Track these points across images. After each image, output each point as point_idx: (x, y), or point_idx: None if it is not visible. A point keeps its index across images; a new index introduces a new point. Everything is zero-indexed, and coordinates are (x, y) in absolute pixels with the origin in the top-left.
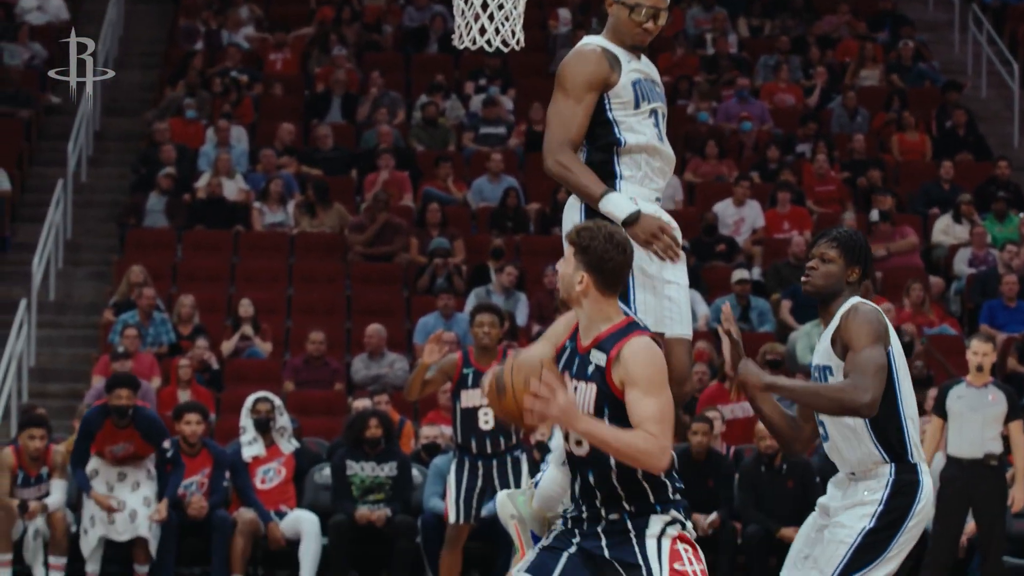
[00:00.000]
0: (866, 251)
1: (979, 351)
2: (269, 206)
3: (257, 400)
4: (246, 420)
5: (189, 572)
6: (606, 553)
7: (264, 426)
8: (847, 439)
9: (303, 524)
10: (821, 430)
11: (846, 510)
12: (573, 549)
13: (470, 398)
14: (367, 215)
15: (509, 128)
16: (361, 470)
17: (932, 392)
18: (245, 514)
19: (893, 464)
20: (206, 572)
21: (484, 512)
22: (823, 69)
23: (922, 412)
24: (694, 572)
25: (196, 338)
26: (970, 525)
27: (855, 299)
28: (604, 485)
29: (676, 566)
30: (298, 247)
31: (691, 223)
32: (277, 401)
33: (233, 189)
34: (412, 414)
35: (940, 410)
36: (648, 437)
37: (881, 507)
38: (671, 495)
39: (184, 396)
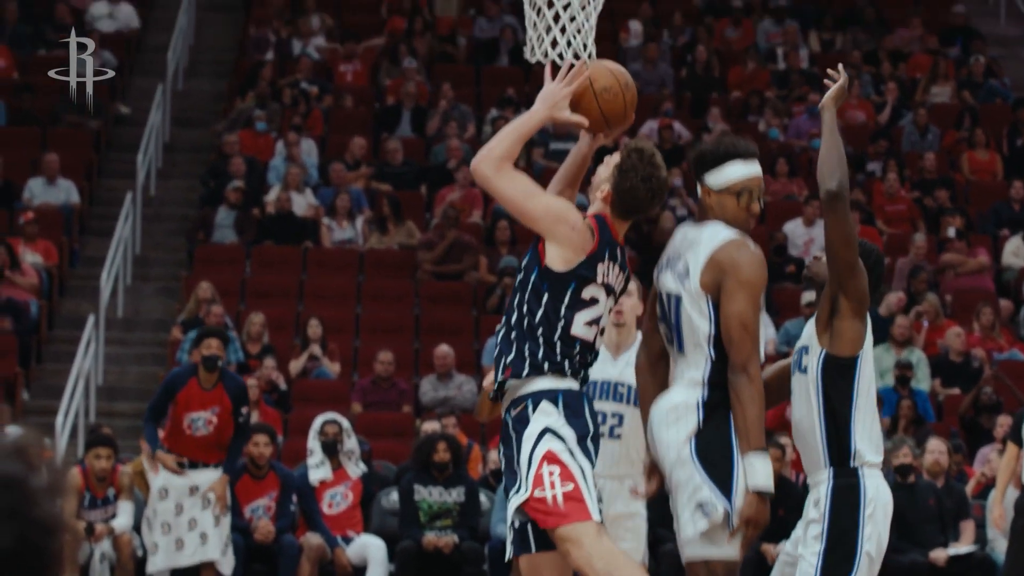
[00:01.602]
0: (878, 262)
1: None
2: (338, 222)
3: (325, 422)
4: (313, 442)
5: None
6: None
7: (332, 449)
8: (802, 435)
9: (370, 550)
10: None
11: (804, 537)
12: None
13: None
14: (436, 232)
15: None
16: (429, 495)
17: (1002, 419)
18: (312, 539)
19: (831, 468)
20: None
21: None
22: (894, 85)
23: (991, 439)
24: (553, 497)
25: (264, 357)
26: None
27: None
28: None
29: (536, 492)
30: (367, 264)
31: (760, 243)
32: (345, 423)
33: (302, 204)
34: (480, 437)
35: (1016, 437)
36: (500, 154)
37: (827, 523)
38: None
39: (252, 417)
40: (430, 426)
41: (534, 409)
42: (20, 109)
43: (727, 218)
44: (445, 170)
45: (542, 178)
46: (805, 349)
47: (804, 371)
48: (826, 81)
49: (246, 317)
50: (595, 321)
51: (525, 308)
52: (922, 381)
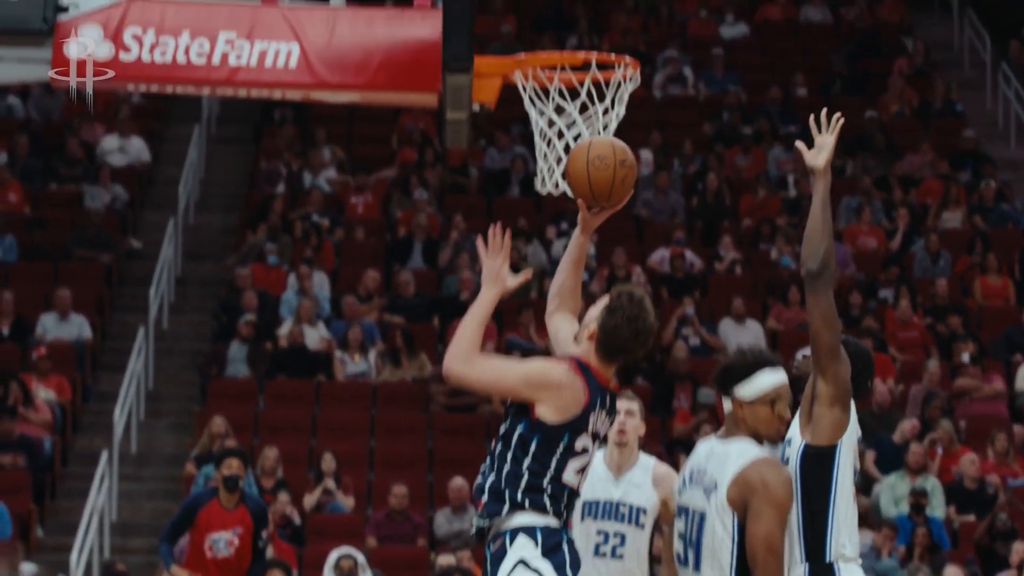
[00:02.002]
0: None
1: None
2: (351, 355)
3: (340, 557)
4: None
5: None
6: None
7: None
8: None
9: None
10: None
11: None
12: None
13: None
14: None
15: (591, 273)
16: None
17: (1018, 545)
18: None
19: (807, 564)
20: None
21: None
22: (905, 211)
23: (1007, 566)
24: None
25: (278, 492)
26: None
27: None
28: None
29: None
30: (380, 397)
31: None
32: (360, 557)
33: (315, 337)
34: None
35: None
36: (468, 349)
37: None
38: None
39: (267, 553)
40: (445, 560)
41: (511, 543)
42: (32, 244)
43: (760, 428)
44: (457, 302)
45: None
46: (788, 441)
47: (785, 463)
48: (808, 145)
49: (260, 451)
50: (583, 469)
51: (511, 459)
52: (937, 508)
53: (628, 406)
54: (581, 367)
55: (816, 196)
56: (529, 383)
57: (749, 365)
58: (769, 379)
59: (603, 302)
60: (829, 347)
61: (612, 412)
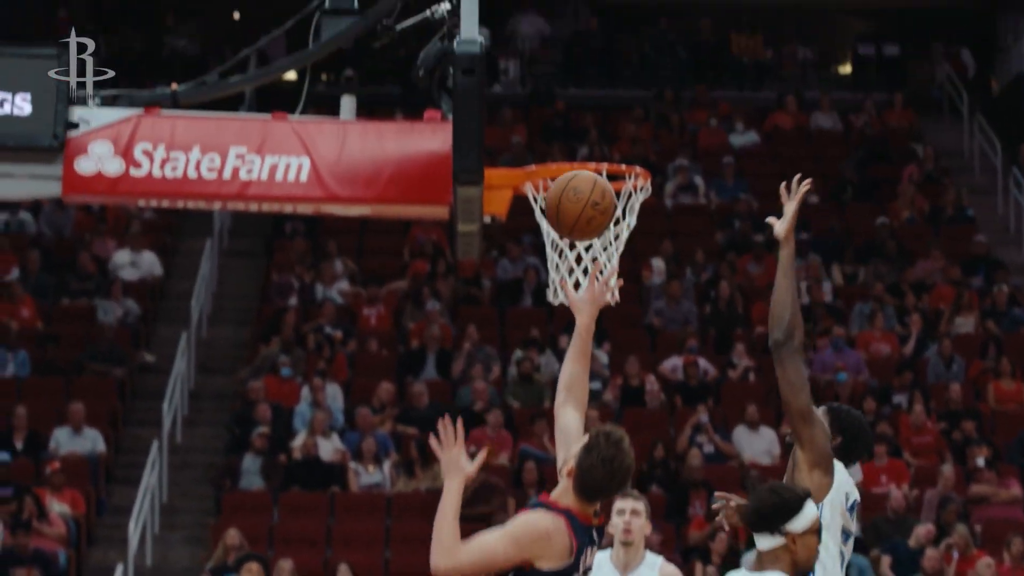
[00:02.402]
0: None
1: None
2: (365, 466)
3: None
4: None
5: None
6: None
7: None
8: None
9: None
10: None
11: None
12: None
13: None
14: None
15: (604, 382)
16: None
17: None
18: None
19: None
20: None
21: None
22: (918, 316)
23: None
24: None
25: None
26: None
27: None
28: None
29: None
30: (395, 509)
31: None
32: None
33: (329, 449)
34: None
35: None
36: (448, 542)
37: None
38: None
39: None
40: None
41: None
42: (44, 359)
43: (808, 557)
44: (471, 412)
45: None
46: None
47: None
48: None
49: (275, 564)
50: None
51: None
52: None
53: (633, 505)
54: (566, 515)
55: (780, 265)
56: (519, 542)
57: (801, 497)
58: (814, 509)
59: (585, 439)
60: (800, 412)
61: (598, 543)
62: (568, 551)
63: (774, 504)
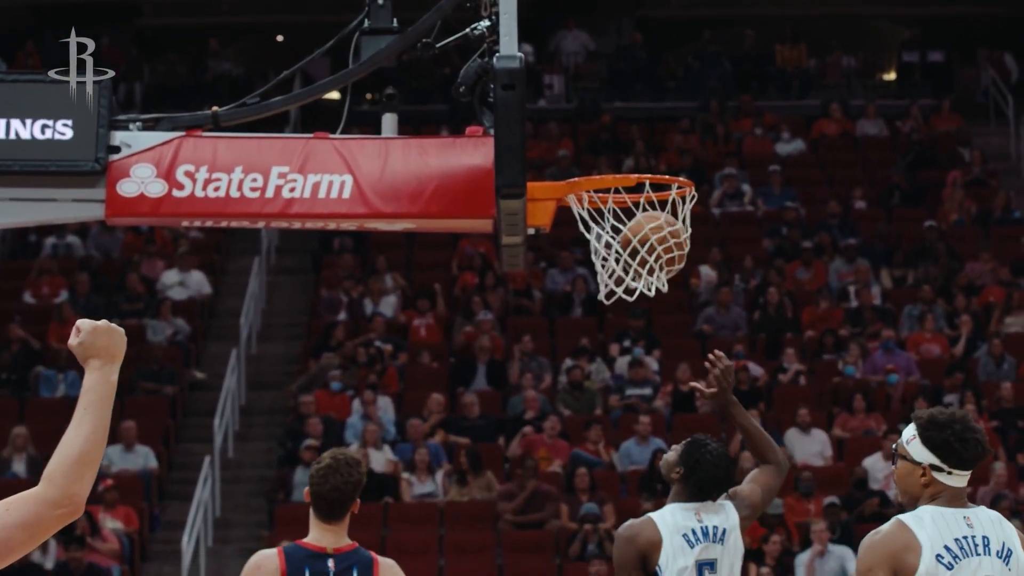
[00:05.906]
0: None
1: None
2: (418, 476)
3: None
4: None
5: None
6: None
7: None
8: None
9: None
10: None
11: None
12: None
13: None
14: (516, 483)
15: (655, 389)
16: None
17: None
18: None
19: None
20: None
21: None
22: (968, 317)
23: None
24: None
25: None
26: None
27: None
28: None
29: None
30: (448, 517)
31: (841, 479)
32: None
33: (381, 460)
34: None
35: None
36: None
37: None
38: None
39: None
40: None
41: None
42: None
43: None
44: (522, 421)
45: (619, 425)
46: None
47: None
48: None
49: None
50: None
51: None
52: None
53: None
54: None
55: (743, 419)
56: None
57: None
58: None
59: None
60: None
61: None
62: None
63: (984, 445)
